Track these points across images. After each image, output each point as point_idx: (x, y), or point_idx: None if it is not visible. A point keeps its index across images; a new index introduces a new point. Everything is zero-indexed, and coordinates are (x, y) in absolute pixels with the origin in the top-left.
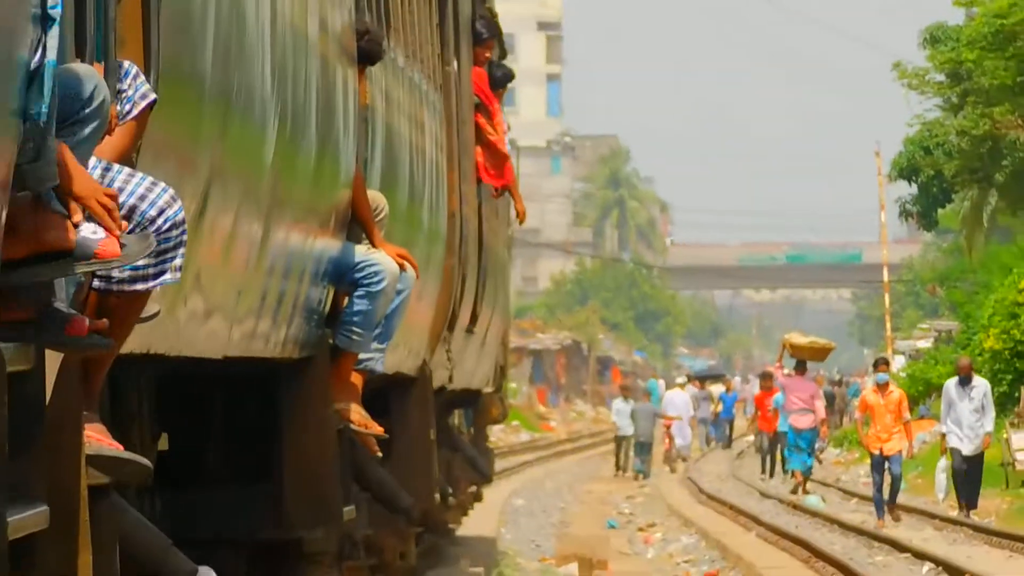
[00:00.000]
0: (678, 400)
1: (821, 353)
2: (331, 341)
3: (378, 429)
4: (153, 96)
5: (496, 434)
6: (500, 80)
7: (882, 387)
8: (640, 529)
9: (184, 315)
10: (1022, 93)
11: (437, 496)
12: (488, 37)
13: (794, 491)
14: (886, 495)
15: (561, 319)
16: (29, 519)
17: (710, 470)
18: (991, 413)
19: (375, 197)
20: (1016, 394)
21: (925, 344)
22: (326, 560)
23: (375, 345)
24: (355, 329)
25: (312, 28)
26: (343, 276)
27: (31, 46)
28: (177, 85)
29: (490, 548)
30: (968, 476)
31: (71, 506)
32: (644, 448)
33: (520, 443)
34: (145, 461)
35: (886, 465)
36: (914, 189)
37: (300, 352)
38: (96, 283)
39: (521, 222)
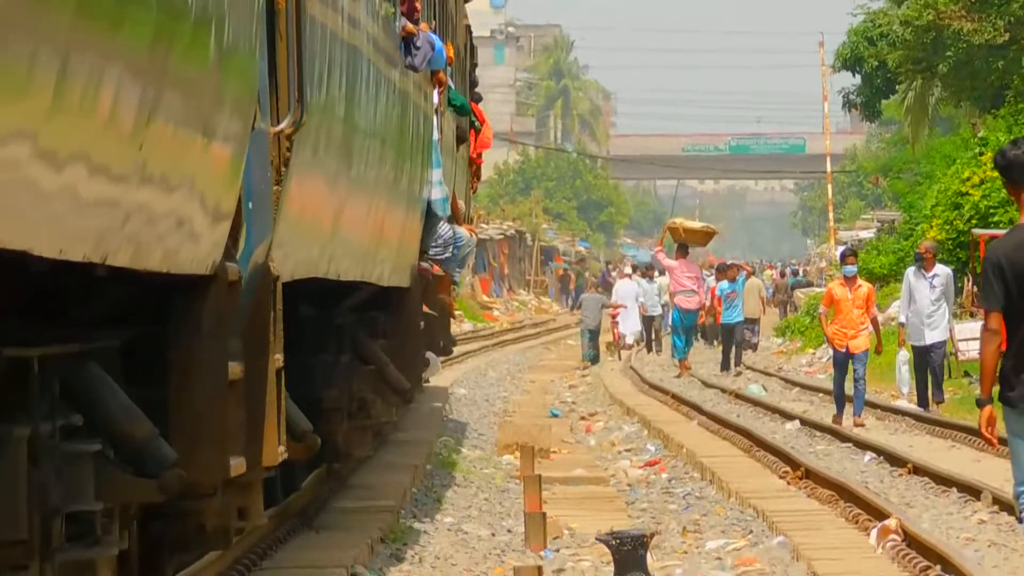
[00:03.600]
0: (622, 290)
1: (707, 237)
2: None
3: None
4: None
5: None
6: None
7: (850, 280)
8: (582, 418)
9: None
10: None
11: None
12: None
13: (679, 376)
14: (849, 393)
15: (504, 209)
16: None
17: (652, 359)
18: (951, 301)
19: (468, 234)
20: (959, 284)
21: (868, 235)
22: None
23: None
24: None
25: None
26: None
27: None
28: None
29: (432, 437)
30: (931, 367)
31: None
32: (594, 335)
33: (462, 333)
34: None
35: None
36: (858, 80)
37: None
38: None
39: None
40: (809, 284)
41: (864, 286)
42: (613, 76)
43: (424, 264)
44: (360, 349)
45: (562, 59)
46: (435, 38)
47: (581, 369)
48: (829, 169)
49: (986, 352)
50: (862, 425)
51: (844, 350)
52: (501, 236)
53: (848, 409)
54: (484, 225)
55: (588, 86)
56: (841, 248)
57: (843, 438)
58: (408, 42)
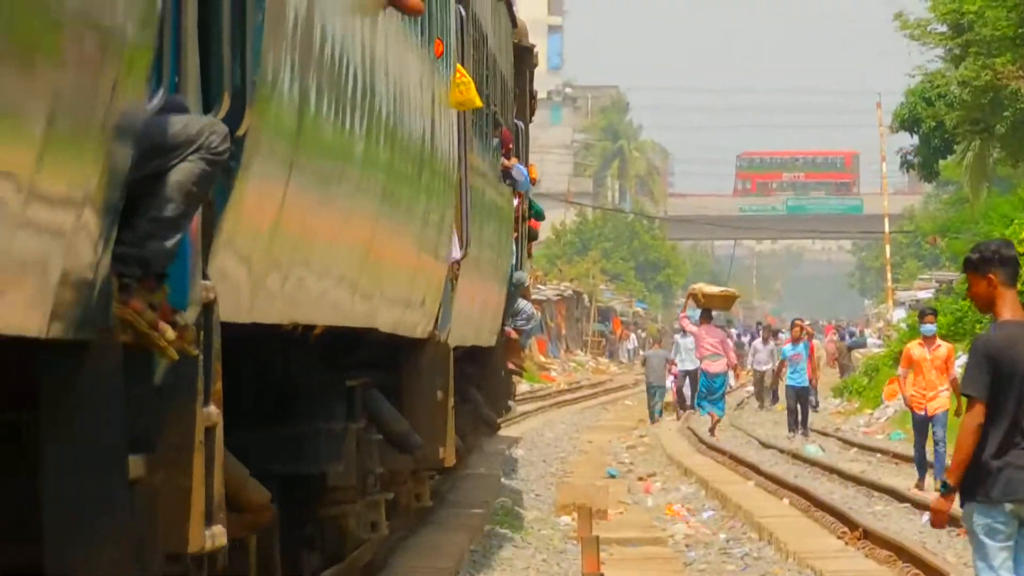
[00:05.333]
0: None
1: (727, 301)
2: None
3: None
4: None
5: None
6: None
7: (928, 340)
8: (640, 478)
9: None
10: (1023, 44)
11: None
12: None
13: (712, 432)
14: (930, 458)
15: (562, 269)
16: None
17: (708, 419)
18: None
19: (534, 310)
20: None
21: (925, 295)
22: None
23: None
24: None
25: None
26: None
27: None
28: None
29: (490, 497)
30: None
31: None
32: (658, 392)
33: (520, 393)
34: None
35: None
36: (915, 140)
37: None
38: None
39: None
40: (863, 345)
41: (943, 346)
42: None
43: (507, 328)
44: (464, 392)
45: (618, 119)
46: (522, 169)
47: (652, 424)
48: (887, 229)
49: (969, 442)
50: None
51: (923, 412)
52: (559, 297)
53: (930, 473)
54: (541, 286)
55: (645, 146)
56: (919, 306)
57: (901, 498)
58: (506, 172)
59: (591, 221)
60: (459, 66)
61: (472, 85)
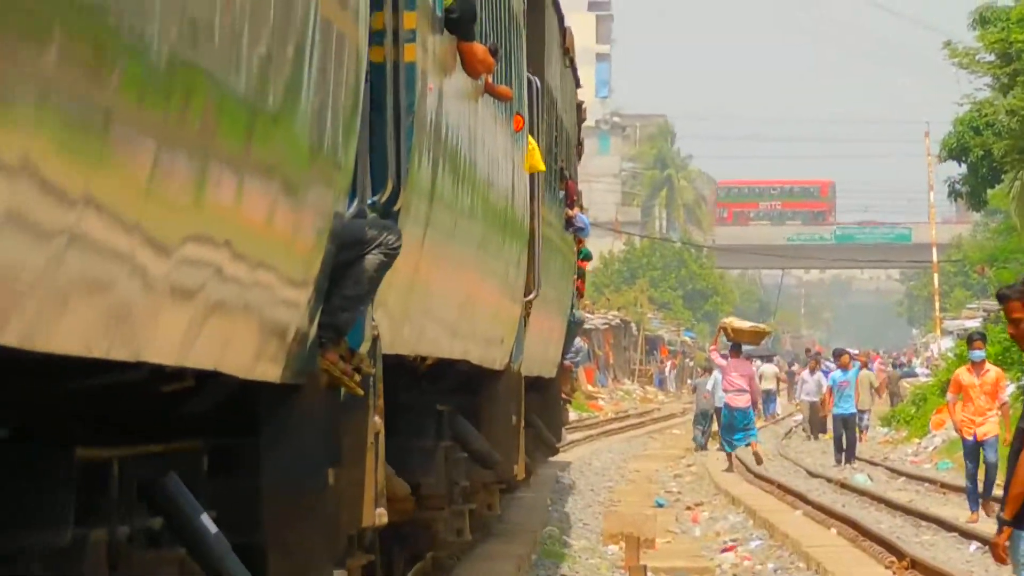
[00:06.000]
0: None
1: (757, 336)
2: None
3: None
4: None
5: None
6: None
7: (977, 365)
8: (687, 508)
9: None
10: None
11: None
12: None
13: (758, 462)
14: (980, 485)
15: (610, 298)
16: None
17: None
18: None
19: (578, 341)
20: None
21: (974, 324)
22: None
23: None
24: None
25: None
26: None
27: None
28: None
29: (538, 526)
30: None
31: None
32: (706, 420)
33: (568, 423)
34: None
35: (980, 452)
36: (963, 169)
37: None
38: None
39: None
40: (914, 374)
41: (992, 371)
42: (718, 164)
43: (565, 361)
44: (528, 418)
45: (666, 148)
46: (584, 218)
47: (696, 452)
48: (935, 259)
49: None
50: (992, 513)
51: (972, 438)
52: (606, 326)
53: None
54: (589, 315)
55: (693, 175)
56: (968, 333)
57: (949, 527)
58: (569, 220)
59: (639, 250)
60: (530, 137)
61: (538, 153)
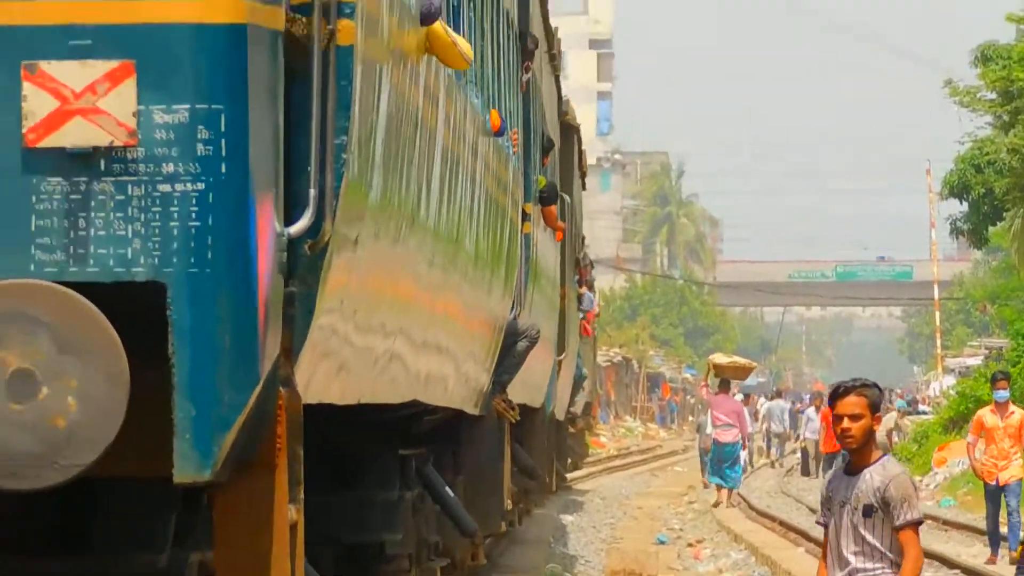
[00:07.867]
0: None
1: (741, 372)
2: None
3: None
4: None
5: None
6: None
7: (1001, 406)
8: (689, 544)
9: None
10: None
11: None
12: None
13: (715, 504)
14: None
15: (611, 335)
16: None
17: (759, 486)
18: None
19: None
20: None
21: (975, 362)
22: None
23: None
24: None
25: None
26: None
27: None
28: None
29: (540, 563)
30: None
31: None
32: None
33: (587, 454)
34: None
35: (1002, 496)
36: (965, 207)
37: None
38: None
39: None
40: (917, 411)
41: (1017, 413)
42: (719, 201)
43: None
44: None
45: (668, 185)
46: (591, 296)
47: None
48: (937, 296)
49: None
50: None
51: (995, 483)
52: (608, 363)
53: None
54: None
55: (694, 212)
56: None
57: (951, 564)
58: (580, 297)
59: (640, 287)
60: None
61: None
